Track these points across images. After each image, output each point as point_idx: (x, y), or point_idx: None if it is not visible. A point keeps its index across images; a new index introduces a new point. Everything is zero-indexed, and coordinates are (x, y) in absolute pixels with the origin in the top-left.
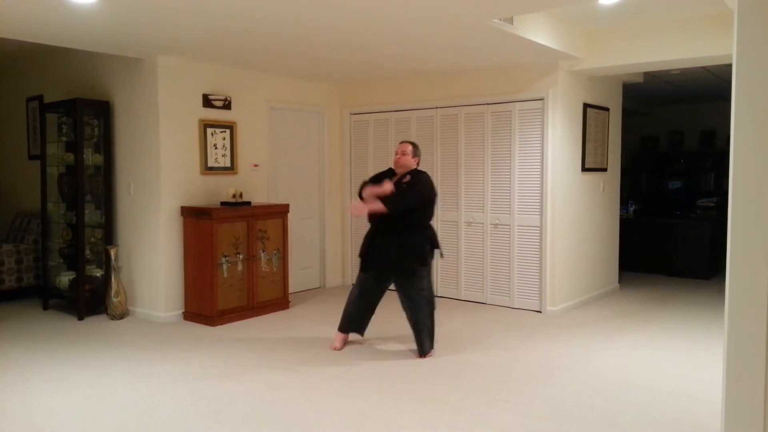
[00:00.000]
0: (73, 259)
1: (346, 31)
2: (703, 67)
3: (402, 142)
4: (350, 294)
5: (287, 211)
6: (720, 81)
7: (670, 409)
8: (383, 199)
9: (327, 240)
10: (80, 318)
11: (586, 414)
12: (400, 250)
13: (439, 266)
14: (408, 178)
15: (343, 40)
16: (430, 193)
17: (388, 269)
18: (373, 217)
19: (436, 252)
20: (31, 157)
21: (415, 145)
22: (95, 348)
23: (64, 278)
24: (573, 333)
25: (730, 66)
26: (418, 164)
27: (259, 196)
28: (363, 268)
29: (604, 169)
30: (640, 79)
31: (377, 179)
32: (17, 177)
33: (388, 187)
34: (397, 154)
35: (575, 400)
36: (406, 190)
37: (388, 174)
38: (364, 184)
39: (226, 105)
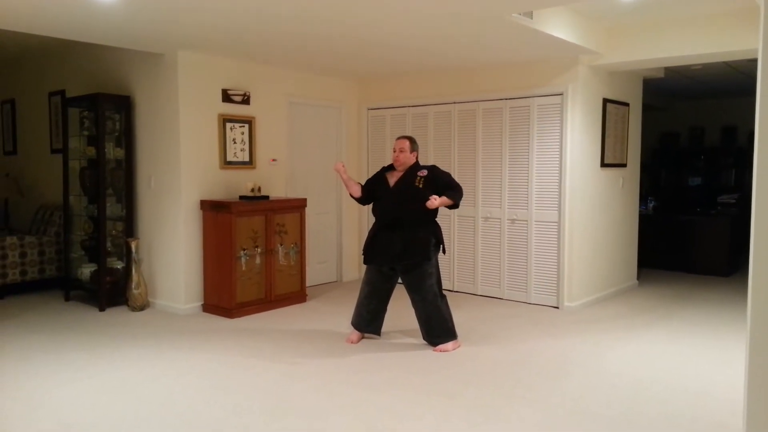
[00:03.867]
0: (95, 252)
1: (365, 27)
2: (725, 63)
3: (398, 138)
4: (360, 290)
5: (305, 206)
6: (742, 76)
7: (689, 407)
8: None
9: (344, 234)
10: (101, 309)
11: (603, 411)
12: (403, 244)
13: (455, 261)
14: (425, 172)
15: (361, 36)
16: None
17: (389, 262)
18: (377, 210)
19: (441, 247)
20: (54, 151)
21: (412, 140)
22: (116, 339)
23: (86, 270)
24: (591, 329)
25: (752, 61)
26: (417, 158)
27: (277, 190)
28: (365, 260)
29: (624, 165)
30: (661, 74)
31: (377, 178)
32: (40, 170)
33: (437, 201)
34: (395, 152)
35: (592, 396)
36: (447, 184)
37: (386, 170)
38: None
39: (245, 100)
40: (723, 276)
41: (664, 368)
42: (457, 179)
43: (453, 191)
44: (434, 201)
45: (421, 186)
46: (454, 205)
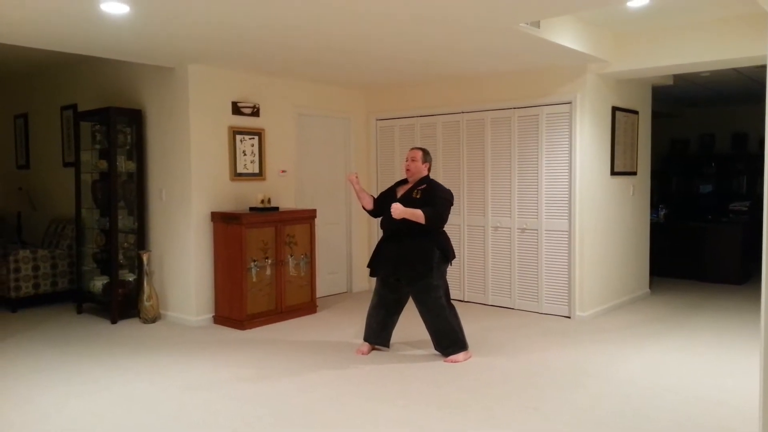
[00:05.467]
0: (107, 264)
1: (372, 39)
2: (734, 69)
3: (411, 149)
4: (370, 302)
5: (314, 217)
6: (752, 83)
7: (703, 416)
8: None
9: (353, 245)
10: (113, 322)
11: (616, 421)
12: (403, 254)
13: (465, 271)
14: (424, 186)
15: (369, 48)
16: (452, 200)
17: (390, 272)
18: (382, 222)
19: (450, 260)
20: (66, 165)
21: (425, 151)
22: (128, 351)
23: (98, 283)
24: (603, 339)
25: (762, 67)
26: (429, 170)
27: (286, 201)
28: (370, 272)
29: (634, 173)
30: (670, 82)
31: (389, 191)
32: (52, 184)
33: (399, 210)
34: (407, 161)
35: (605, 406)
36: (434, 200)
37: (400, 184)
38: (379, 199)
39: (255, 112)
40: (735, 284)
41: (677, 377)
42: (466, 189)
43: (430, 209)
44: (396, 209)
45: (418, 197)
46: (426, 224)
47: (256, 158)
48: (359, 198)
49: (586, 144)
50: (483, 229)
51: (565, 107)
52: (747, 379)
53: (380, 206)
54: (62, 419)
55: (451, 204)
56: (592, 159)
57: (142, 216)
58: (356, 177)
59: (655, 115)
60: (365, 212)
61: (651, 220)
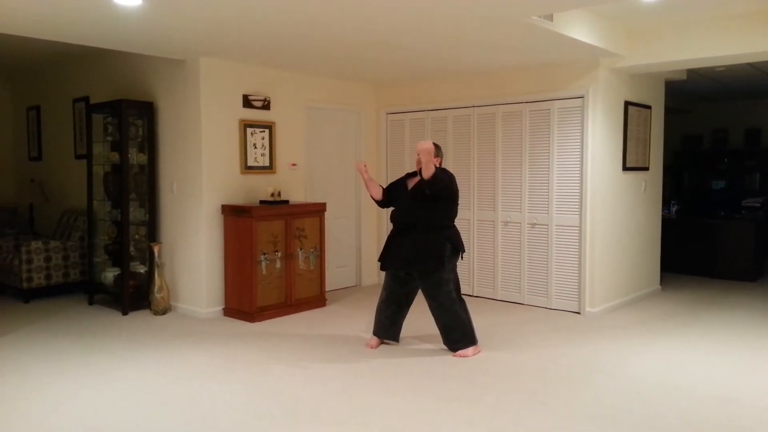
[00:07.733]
0: (118, 256)
1: (383, 33)
2: (749, 64)
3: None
4: (380, 296)
5: (324, 210)
6: (766, 77)
7: (713, 414)
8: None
9: (363, 239)
10: (124, 313)
11: (625, 417)
12: (415, 248)
13: (475, 265)
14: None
15: (380, 41)
16: (455, 187)
17: (402, 267)
18: (393, 215)
19: (461, 253)
20: (78, 157)
21: (436, 146)
22: (138, 342)
23: (109, 274)
24: (613, 335)
25: None
26: (440, 164)
27: (296, 194)
28: (381, 265)
29: (646, 168)
30: (684, 77)
31: (399, 183)
32: (64, 176)
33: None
34: (418, 155)
35: (614, 403)
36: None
37: (410, 176)
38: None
39: (266, 105)
40: (748, 281)
41: (687, 374)
42: (476, 183)
43: (435, 179)
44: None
45: (429, 191)
46: (429, 179)
47: (267, 151)
48: (368, 188)
49: (598, 139)
50: (493, 224)
51: (577, 102)
52: (759, 376)
53: (389, 197)
54: (72, 409)
55: (452, 188)
56: (603, 154)
57: (153, 208)
58: (365, 166)
59: (668, 111)
60: (374, 204)
61: (663, 216)
